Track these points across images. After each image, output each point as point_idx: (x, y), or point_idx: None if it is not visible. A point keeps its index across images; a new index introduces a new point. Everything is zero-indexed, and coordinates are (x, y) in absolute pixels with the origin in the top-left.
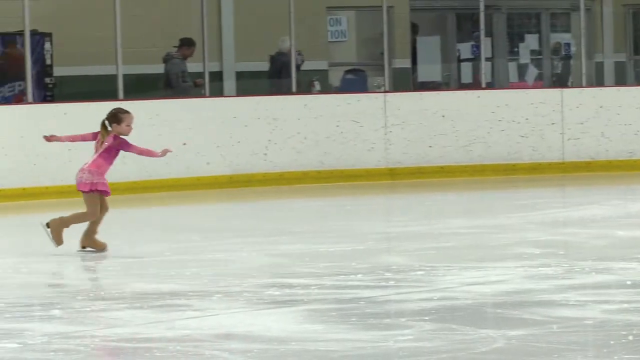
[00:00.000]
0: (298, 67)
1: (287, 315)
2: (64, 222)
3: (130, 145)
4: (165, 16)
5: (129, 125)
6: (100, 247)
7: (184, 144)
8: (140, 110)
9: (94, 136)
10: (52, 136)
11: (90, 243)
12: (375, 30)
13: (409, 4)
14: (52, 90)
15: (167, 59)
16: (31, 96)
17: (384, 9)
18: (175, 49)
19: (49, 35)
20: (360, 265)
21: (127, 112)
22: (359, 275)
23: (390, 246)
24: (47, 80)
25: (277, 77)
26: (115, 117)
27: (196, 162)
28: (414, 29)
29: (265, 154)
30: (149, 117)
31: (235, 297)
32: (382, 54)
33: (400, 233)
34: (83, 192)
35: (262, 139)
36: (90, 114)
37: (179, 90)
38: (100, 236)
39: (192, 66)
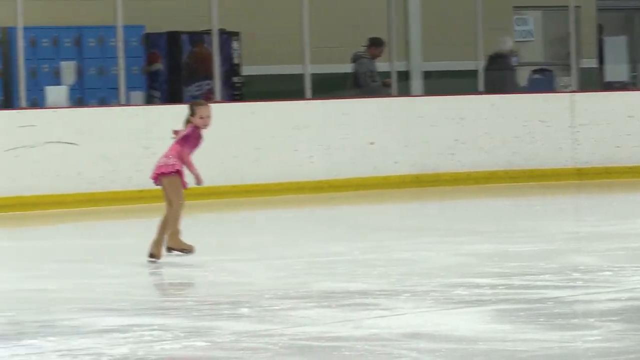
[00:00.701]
0: (514, 66)
1: (474, 315)
2: (160, 240)
3: (186, 143)
4: (352, 15)
5: (202, 117)
6: (188, 249)
7: (372, 143)
8: (328, 110)
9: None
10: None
11: (177, 243)
12: (562, 30)
13: (596, 3)
14: (239, 89)
15: (355, 59)
16: (219, 95)
17: (571, 8)
18: (364, 48)
19: (237, 34)
20: (548, 266)
21: (201, 104)
22: (547, 276)
23: (579, 246)
24: (235, 79)
25: (495, 77)
26: (190, 108)
27: (383, 162)
28: (599, 29)
29: (453, 154)
30: (336, 117)
31: (423, 297)
32: (569, 53)
33: (588, 233)
34: (163, 175)
35: (449, 139)
36: (277, 113)
37: (367, 89)
38: (274, 234)
39: (379, 65)
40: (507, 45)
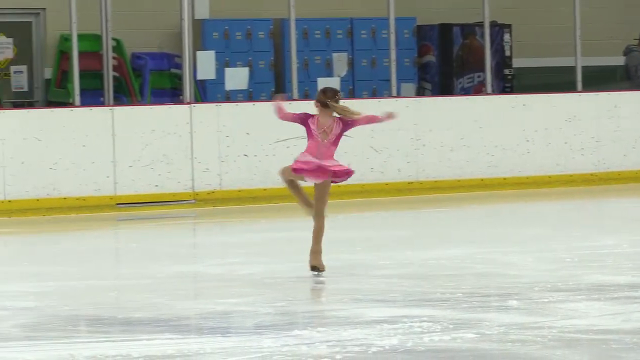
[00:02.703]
0: None
1: None
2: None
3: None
4: (624, 8)
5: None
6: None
7: None
8: (599, 103)
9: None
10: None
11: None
12: None
13: None
14: (510, 81)
15: (627, 52)
16: (490, 87)
17: None
18: (636, 41)
19: (508, 26)
20: None
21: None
22: None
23: None
24: (506, 71)
25: None
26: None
27: None
28: None
29: None
30: (607, 109)
31: None
32: None
33: None
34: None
35: None
36: (548, 106)
37: (638, 82)
38: (544, 226)
39: None
40: None
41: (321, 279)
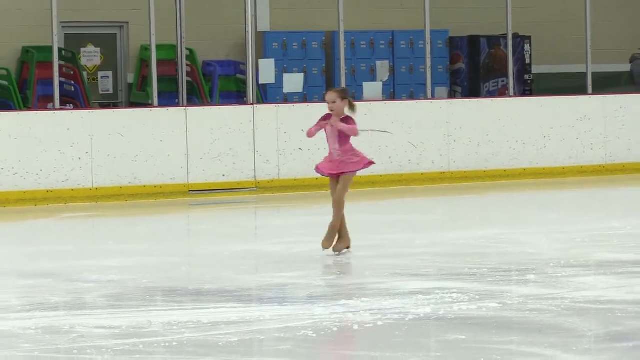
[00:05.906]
0: None
1: None
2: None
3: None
4: (630, 21)
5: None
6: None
7: None
8: (607, 104)
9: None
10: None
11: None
12: None
13: None
14: (530, 85)
15: (632, 59)
16: (512, 90)
17: None
18: None
19: (529, 38)
20: None
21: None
22: None
23: None
24: (526, 76)
25: None
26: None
27: None
28: None
29: None
30: (613, 110)
31: None
32: None
33: None
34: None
35: None
36: (562, 107)
37: None
38: (559, 211)
39: None
40: None
41: (365, 255)
